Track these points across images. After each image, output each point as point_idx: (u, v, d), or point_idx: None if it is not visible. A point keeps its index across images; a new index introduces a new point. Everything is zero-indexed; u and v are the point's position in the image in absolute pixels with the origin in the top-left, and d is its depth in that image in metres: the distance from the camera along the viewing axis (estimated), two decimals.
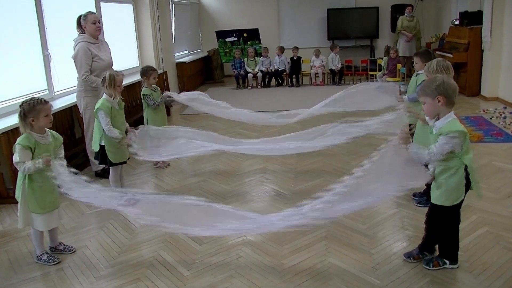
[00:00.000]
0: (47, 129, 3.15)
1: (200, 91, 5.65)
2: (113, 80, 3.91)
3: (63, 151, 3.28)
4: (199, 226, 2.94)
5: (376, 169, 2.69)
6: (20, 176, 3.10)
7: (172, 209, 3.05)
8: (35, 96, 3.14)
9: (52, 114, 3.09)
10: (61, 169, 3.04)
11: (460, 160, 2.64)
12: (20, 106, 3.04)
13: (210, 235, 3.05)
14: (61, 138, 3.27)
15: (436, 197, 2.77)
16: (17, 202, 3.15)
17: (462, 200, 2.74)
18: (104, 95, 3.97)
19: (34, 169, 2.99)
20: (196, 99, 4.91)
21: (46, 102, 3.10)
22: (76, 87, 4.84)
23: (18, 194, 3.12)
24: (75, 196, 3.02)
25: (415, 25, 10.10)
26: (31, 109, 3.00)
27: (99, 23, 4.74)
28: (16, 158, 3.01)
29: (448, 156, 2.63)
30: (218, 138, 4.37)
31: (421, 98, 2.71)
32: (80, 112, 4.84)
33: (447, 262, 2.89)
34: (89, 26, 4.66)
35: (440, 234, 2.90)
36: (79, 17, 4.71)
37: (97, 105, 3.92)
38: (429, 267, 2.88)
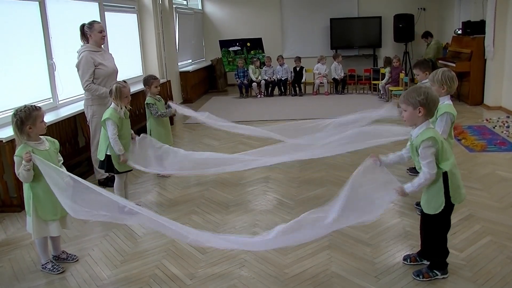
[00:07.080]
0: (41, 136, 3.14)
1: (203, 108, 5.63)
2: (120, 92, 3.96)
3: (61, 157, 3.26)
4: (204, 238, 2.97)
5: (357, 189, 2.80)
6: (26, 188, 3.08)
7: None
8: (27, 104, 3.08)
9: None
10: (43, 164, 2.95)
11: (438, 167, 2.67)
12: (15, 115, 2.97)
13: (216, 246, 3.07)
14: (57, 142, 3.26)
15: (423, 205, 2.85)
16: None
17: (450, 207, 2.75)
18: (112, 105, 4.01)
19: (24, 170, 2.91)
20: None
21: (40, 108, 3.09)
22: (83, 96, 4.88)
23: (28, 208, 3.09)
24: (71, 207, 2.96)
25: (429, 51, 10.08)
26: (28, 116, 2.97)
27: (104, 32, 4.80)
28: (16, 170, 2.99)
29: None
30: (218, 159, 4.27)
31: (402, 105, 2.73)
32: (87, 120, 4.88)
33: (438, 273, 2.88)
34: (95, 34, 4.71)
35: (429, 240, 2.92)
36: (82, 26, 4.76)
37: (105, 115, 3.95)
38: (419, 278, 2.88)
